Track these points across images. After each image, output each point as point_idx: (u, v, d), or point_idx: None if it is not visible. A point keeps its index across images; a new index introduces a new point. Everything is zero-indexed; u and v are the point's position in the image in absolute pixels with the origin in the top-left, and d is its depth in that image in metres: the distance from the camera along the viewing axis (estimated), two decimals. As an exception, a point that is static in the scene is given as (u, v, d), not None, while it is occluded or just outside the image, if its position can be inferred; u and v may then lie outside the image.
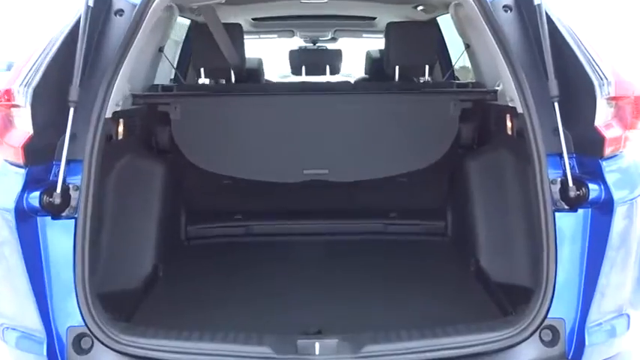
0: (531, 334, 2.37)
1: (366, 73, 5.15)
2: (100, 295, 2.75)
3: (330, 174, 3.55)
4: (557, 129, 2.44)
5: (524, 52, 2.58)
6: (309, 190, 3.82)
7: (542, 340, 2.38)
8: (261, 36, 5.49)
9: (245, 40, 3.70)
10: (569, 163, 2.48)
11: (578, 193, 2.39)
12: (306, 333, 2.54)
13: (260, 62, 4.87)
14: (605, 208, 2.39)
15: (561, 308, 2.40)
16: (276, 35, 5.55)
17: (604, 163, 2.41)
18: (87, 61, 2.54)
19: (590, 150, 2.45)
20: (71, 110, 2.41)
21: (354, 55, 6.12)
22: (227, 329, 2.50)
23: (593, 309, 2.40)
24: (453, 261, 3.49)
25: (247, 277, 3.33)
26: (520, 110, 2.51)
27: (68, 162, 2.46)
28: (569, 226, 2.43)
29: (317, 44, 5.55)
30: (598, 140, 2.38)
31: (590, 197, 2.38)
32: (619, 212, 2.37)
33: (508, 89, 2.65)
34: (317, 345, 2.34)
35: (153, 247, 3.29)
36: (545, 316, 2.39)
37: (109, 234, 3.15)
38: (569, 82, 2.47)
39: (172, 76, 4.66)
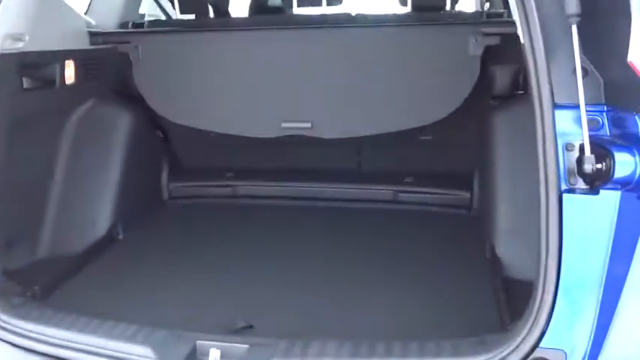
0: None
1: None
2: (36, 262, 2.47)
3: (313, 128, 2.87)
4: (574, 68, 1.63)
5: None
6: (306, 146, 3.18)
7: None
8: None
9: None
10: (598, 120, 1.68)
11: (598, 166, 1.58)
12: (231, 328, 2.05)
13: None
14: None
15: (562, 334, 1.64)
16: None
17: (643, 121, 1.56)
18: None
19: (624, 99, 1.61)
20: None
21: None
22: (143, 314, 2.11)
23: (612, 340, 1.61)
24: (471, 244, 2.72)
25: (215, 247, 2.82)
26: (523, 40, 1.71)
27: None
28: (584, 215, 1.64)
29: None
30: (634, 83, 1.52)
31: (616, 174, 1.56)
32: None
33: (513, 12, 1.83)
34: (213, 351, 1.79)
35: (110, 206, 2.88)
36: (537, 344, 1.64)
37: (59, 190, 2.77)
38: None
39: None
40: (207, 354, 1.79)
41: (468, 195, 3.08)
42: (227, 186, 3.35)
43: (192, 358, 1.81)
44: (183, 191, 3.41)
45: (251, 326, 2.08)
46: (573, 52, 1.63)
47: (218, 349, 1.80)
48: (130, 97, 3.10)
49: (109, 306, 2.23)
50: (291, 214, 3.15)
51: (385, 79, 2.78)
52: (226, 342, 1.84)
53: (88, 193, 2.84)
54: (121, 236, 2.89)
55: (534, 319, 1.64)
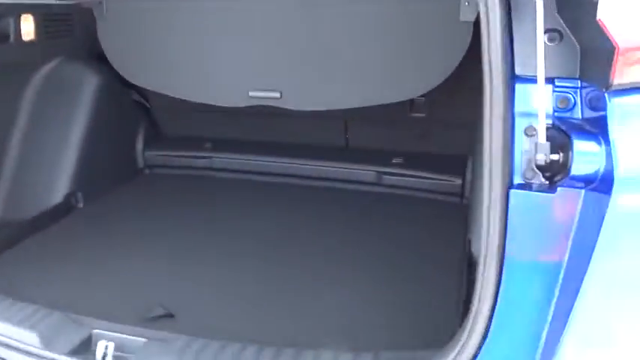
0: None
1: None
2: None
3: (283, 98, 2.57)
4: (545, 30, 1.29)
5: None
6: (291, 119, 2.89)
7: None
8: None
9: None
10: (569, 98, 1.33)
11: (553, 157, 1.24)
12: (147, 316, 1.84)
13: None
14: (604, 190, 1.20)
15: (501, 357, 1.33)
16: None
17: (613, 101, 1.19)
18: None
19: (594, 72, 1.24)
20: None
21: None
22: (59, 293, 1.95)
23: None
24: (454, 237, 2.39)
25: (178, 224, 2.58)
26: None
27: None
28: (537, 219, 1.29)
29: None
30: (604, 51, 1.16)
31: (574, 168, 1.22)
32: (624, 204, 1.17)
33: None
34: (101, 343, 1.58)
35: (70, 171, 2.69)
36: None
37: (16, 152, 2.63)
38: None
39: None
40: (96, 345, 1.59)
41: (459, 181, 2.73)
42: (204, 157, 3.12)
43: (83, 349, 1.61)
44: (160, 160, 3.20)
45: (172, 315, 1.87)
46: (543, 8, 1.28)
47: (111, 340, 1.59)
48: (100, 56, 2.90)
49: (30, 281, 2.05)
50: (269, 192, 2.89)
51: (364, 45, 2.45)
52: (125, 334, 1.63)
53: (46, 157, 2.66)
54: (81, 204, 2.72)
55: (465, 340, 1.34)
